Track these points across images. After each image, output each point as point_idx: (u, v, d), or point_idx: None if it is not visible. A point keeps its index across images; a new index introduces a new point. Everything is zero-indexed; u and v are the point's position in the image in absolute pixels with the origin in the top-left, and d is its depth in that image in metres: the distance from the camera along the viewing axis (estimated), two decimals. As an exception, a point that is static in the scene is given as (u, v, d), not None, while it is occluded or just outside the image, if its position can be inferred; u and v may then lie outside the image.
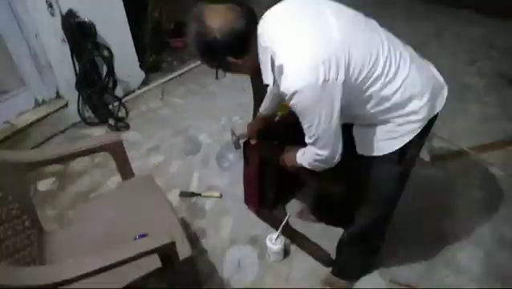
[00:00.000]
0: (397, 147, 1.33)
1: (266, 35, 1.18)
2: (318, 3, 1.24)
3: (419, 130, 1.31)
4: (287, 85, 1.14)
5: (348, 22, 1.21)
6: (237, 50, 1.20)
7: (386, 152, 1.35)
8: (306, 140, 1.30)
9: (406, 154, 1.36)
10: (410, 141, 1.32)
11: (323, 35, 1.15)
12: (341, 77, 1.13)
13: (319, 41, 1.14)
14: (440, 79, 1.38)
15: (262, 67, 1.25)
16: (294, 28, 1.17)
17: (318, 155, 1.31)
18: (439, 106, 1.35)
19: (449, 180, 2.40)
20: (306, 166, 1.43)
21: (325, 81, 1.11)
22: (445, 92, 1.38)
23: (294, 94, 1.14)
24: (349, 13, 1.26)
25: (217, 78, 1.31)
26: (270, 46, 1.17)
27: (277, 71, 1.18)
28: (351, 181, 1.52)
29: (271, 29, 1.19)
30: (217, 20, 1.13)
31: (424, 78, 1.29)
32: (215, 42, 1.14)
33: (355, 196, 1.55)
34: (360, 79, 1.18)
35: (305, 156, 1.41)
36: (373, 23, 1.31)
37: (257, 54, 1.22)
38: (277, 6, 1.26)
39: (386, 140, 1.34)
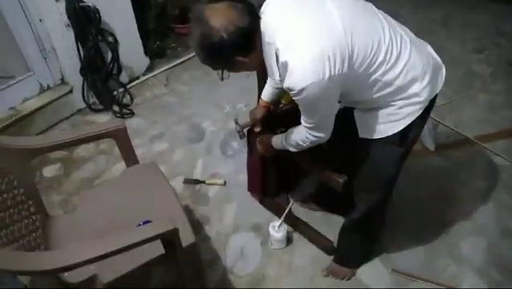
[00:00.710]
0: (399, 129, 1.33)
1: (269, 30, 1.17)
2: None
3: (420, 112, 1.32)
4: (293, 82, 1.13)
5: (348, 8, 1.20)
6: (244, 48, 1.19)
7: (388, 135, 1.35)
8: (304, 124, 1.34)
9: (408, 136, 1.37)
10: (411, 123, 1.32)
11: (325, 27, 1.13)
12: (345, 69, 1.14)
13: (322, 34, 1.12)
14: (438, 58, 1.39)
15: (267, 62, 1.24)
16: (296, 21, 1.15)
17: (316, 136, 1.34)
18: (439, 86, 1.36)
19: (453, 169, 2.39)
20: (291, 148, 1.49)
21: (330, 76, 1.11)
22: (444, 72, 1.39)
23: (300, 91, 1.13)
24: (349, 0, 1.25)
25: (222, 79, 1.31)
26: (273, 42, 1.16)
27: (281, 67, 1.17)
28: (352, 166, 1.52)
29: (273, 23, 1.17)
30: (221, 19, 1.10)
31: (424, 59, 1.30)
32: (222, 41, 1.12)
33: (355, 181, 1.56)
34: (363, 66, 1.18)
35: (293, 137, 1.44)
36: (371, 7, 1.30)
37: (261, 50, 1.22)
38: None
39: (388, 123, 1.34)
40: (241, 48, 1.18)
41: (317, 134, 1.33)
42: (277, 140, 1.58)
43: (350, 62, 1.14)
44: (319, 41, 1.11)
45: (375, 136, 1.37)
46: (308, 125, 1.32)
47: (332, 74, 1.11)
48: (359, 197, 1.59)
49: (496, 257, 1.92)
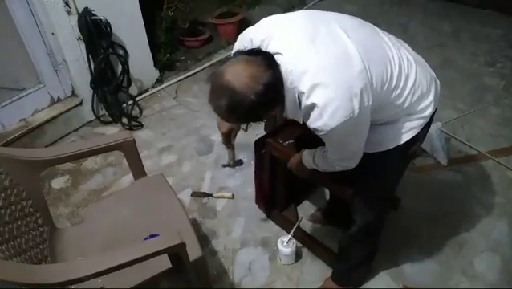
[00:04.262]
0: (401, 142, 1.33)
1: (290, 76, 1.12)
2: (327, 21, 1.21)
3: (422, 126, 1.33)
4: (323, 123, 1.11)
5: (359, 36, 1.19)
6: (275, 103, 1.16)
7: (389, 148, 1.34)
8: (330, 156, 1.32)
9: (409, 149, 1.37)
10: (413, 137, 1.33)
11: (346, 63, 1.11)
12: (370, 101, 1.13)
13: (345, 71, 1.11)
14: (433, 72, 1.39)
15: (288, 105, 1.20)
16: (316, 62, 1.11)
17: (343, 166, 1.33)
18: (438, 99, 1.36)
19: (466, 183, 2.35)
20: (321, 170, 1.44)
21: (360, 111, 1.10)
22: (439, 85, 1.38)
23: (331, 131, 1.12)
24: (354, 24, 1.25)
25: (246, 130, 1.31)
26: (296, 86, 1.12)
27: (306, 109, 1.14)
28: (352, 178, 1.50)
29: (293, 68, 1.11)
30: (246, 81, 1.06)
31: (428, 76, 1.31)
32: (253, 104, 1.07)
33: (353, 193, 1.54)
34: (379, 94, 1.19)
35: (320, 162, 1.41)
36: (375, 29, 1.30)
37: (284, 96, 1.17)
38: (284, 32, 1.19)
39: (390, 137, 1.33)
40: (272, 103, 1.16)
41: (344, 164, 1.32)
42: (308, 159, 1.50)
43: (374, 93, 1.14)
44: (344, 79, 1.10)
45: (376, 150, 1.35)
46: (334, 157, 1.31)
47: (361, 108, 1.10)
48: (357, 211, 1.56)
49: (510, 274, 1.87)
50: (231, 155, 1.84)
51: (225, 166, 2.20)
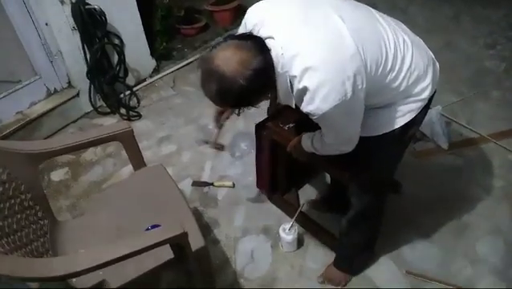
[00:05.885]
0: (398, 125, 1.32)
1: (281, 60, 1.11)
2: (320, 3, 1.19)
3: (420, 109, 1.32)
4: (315, 107, 1.10)
5: (353, 18, 1.17)
6: (266, 88, 1.16)
7: (387, 131, 1.33)
8: (328, 140, 1.31)
9: (407, 132, 1.36)
10: (411, 120, 1.31)
11: (338, 46, 1.10)
12: (364, 83, 1.12)
13: (337, 54, 1.09)
14: (431, 53, 1.37)
15: (280, 90, 1.20)
16: (308, 45, 1.10)
17: (341, 150, 1.32)
18: (437, 82, 1.35)
19: (467, 167, 2.34)
20: (319, 154, 1.44)
21: (353, 94, 1.09)
22: (438, 67, 1.36)
23: (324, 115, 1.11)
24: (348, 6, 1.23)
25: (238, 115, 1.30)
26: (287, 71, 1.12)
27: (298, 93, 1.13)
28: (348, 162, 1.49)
29: (285, 52, 1.10)
30: (235, 66, 1.05)
31: (425, 57, 1.29)
32: (242, 88, 1.06)
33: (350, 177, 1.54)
34: (374, 77, 1.17)
35: (321, 148, 1.40)
36: (370, 10, 1.28)
37: (276, 81, 1.17)
38: (276, 15, 1.17)
39: (387, 120, 1.32)
40: (263, 89, 1.15)
41: (341, 148, 1.31)
42: (306, 142, 1.49)
43: (368, 76, 1.13)
44: (337, 61, 1.08)
45: (373, 134, 1.34)
46: (331, 141, 1.30)
47: (354, 91, 1.09)
48: (354, 194, 1.56)
49: (513, 257, 1.87)
50: (216, 135, 1.82)
51: (205, 142, 2.11)
